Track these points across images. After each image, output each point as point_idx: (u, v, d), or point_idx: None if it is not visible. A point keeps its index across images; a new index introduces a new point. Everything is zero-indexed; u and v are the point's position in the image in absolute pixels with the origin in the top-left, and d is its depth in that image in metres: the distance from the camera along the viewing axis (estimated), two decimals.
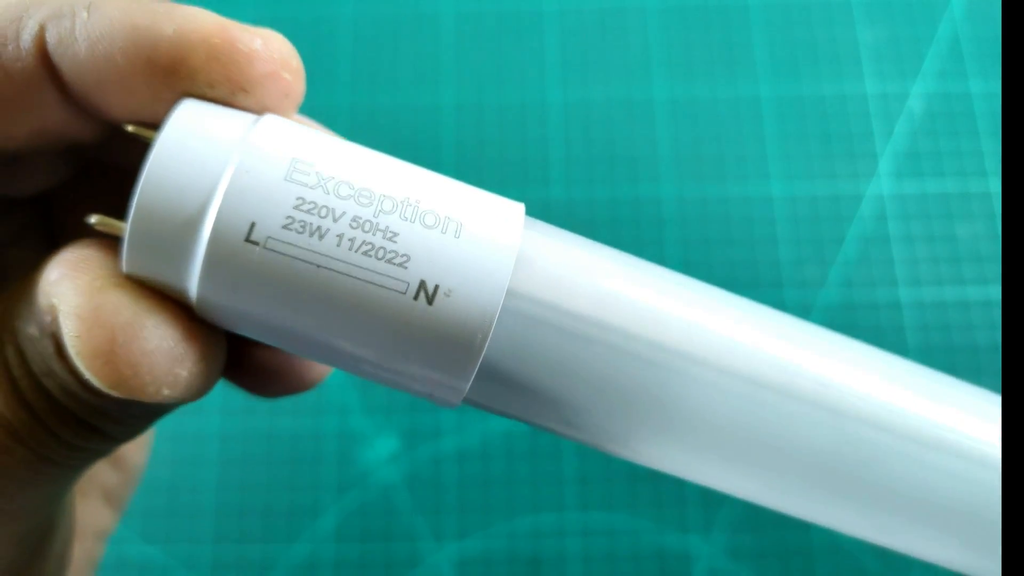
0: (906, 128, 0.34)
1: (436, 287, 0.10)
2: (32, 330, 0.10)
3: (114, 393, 0.10)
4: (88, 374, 0.10)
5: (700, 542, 0.29)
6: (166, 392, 0.10)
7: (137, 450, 0.18)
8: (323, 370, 0.15)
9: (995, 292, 0.32)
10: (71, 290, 0.10)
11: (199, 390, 0.11)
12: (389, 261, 0.10)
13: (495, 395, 0.11)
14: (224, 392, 0.31)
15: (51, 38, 0.11)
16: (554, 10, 0.36)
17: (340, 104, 0.34)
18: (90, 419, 0.11)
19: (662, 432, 0.12)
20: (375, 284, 0.10)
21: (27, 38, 0.11)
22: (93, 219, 0.11)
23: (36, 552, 0.13)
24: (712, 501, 0.30)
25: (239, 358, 0.14)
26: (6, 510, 0.11)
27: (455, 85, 0.35)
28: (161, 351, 0.10)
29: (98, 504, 0.17)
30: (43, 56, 0.11)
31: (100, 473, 0.17)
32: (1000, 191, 0.33)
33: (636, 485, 0.30)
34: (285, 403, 0.30)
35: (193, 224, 0.10)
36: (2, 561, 0.12)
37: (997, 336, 0.31)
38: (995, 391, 0.31)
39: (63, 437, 0.11)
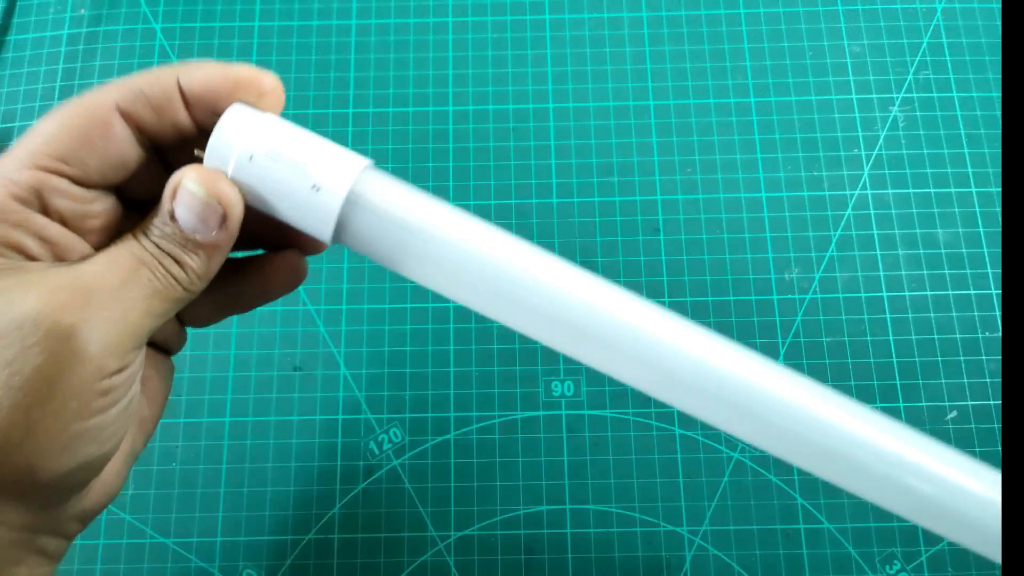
0: (891, 135, 0.35)
1: (319, 187, 0.20)
2: (158, 221, 0.20)
3: (216, 207, 0.20)
4: (204, 195, 0.20)
5: (691, 531, 0.30)
6: (235, 208, 0.20)
7: (161, 392, 0.24)
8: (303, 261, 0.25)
9: (974, 292, 0.33)
10: (190, 173, 0.20)
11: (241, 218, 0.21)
12: (303, 177, 0.20)
13: (349, 242, 0.22)
14: (235, 389, 0.32)
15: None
16: (553, 20, 0.37)
17: (347, 107, 0.35)
18: (184, 259, 0.20)
19: (420, 267, 0.22)
20: (298, 185, 0.20)
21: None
22: (196, 151, 0.21)
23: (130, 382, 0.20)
24: (703, 495, 0.31)
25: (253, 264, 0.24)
26: (138, 316, 0.20)
27: (459, 93, 0.36)
28: (233, 186, 0.20)
29: (135, 429, 0.23)
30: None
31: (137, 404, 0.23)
32: (979, 195, 0.34)
33: (630, 479, 0.31)
34: (294, 399, 0.32)
35: (229, 154, 0.20)
36: (123, 358, 0.19)
37: (976, 335, 0.32)
38: (958, 391, 0.32)
39: (170, 271, 0.20)
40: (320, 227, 0.21)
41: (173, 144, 0.21)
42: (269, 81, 0.21)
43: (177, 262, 0.20)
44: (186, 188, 0.20)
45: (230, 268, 0.23)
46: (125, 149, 0.20)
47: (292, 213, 0.21)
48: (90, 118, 0.20)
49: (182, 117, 0.21)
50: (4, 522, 0.19)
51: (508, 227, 0.33)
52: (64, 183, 0.20)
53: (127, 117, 0.20)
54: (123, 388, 0.20)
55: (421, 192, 0.22)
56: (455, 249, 0.21)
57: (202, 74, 0.21)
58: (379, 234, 0.21)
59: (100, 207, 0.21)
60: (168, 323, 0.23)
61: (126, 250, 0.20)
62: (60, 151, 0.20)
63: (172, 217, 0.20)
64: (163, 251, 0.20)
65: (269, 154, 0.20)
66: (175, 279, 0.20)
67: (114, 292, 0.19)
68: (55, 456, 0.18)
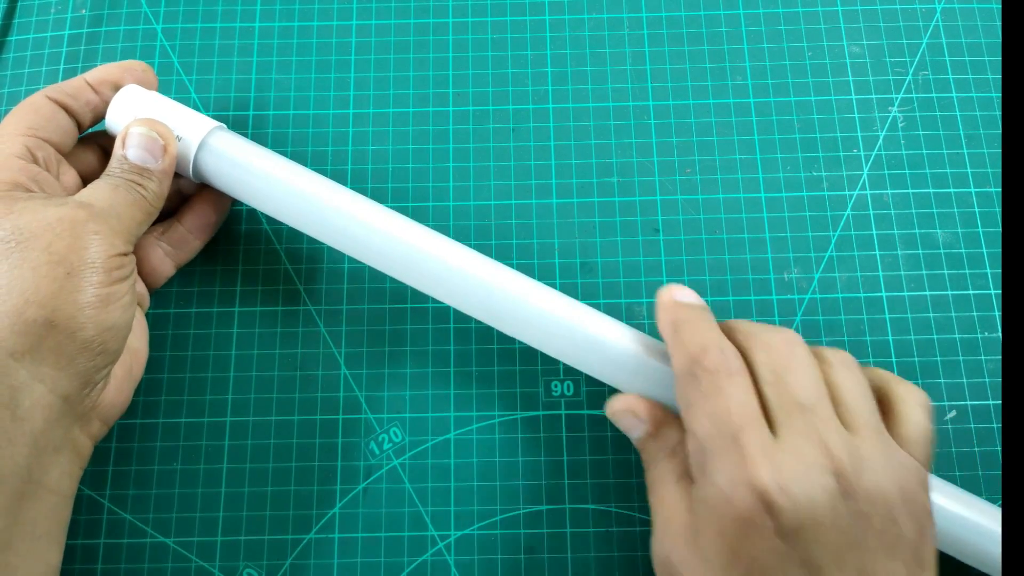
0: (890, 135, 0.35)
1: (181, 138, 0.29)
2: (115, 160, 0.28)
3: (157, 139, 0.28)
4: (147, 131, 0.28)
5: None
6: (170, 138, 0.29)
7: (143, 331, 0.31)
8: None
9: (973, 293, 0.33)
10: (134, 122, 0.29)
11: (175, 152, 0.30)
12: (175, 132, 0.29)
13: (205, 177, 0.30)
14: (236, 389, 0.32)
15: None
16: (553, 21, 0.37)
17: (347, 107, 0.36)
18: (143, 183, 0.28)
19: (249, 195, 0.30)
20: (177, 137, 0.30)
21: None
22: (108, 123, 0.30)
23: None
24: None
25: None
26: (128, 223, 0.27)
27: (459, 93, 0.36)
28: (166, 126, 0.29)
29: (130, 357, 0.29)
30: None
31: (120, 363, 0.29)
32: (978, 195, 0.34)
33: (630, 479, 0.31)
34: (295, 399, 0.32)
35: (123, 116, 0.30)
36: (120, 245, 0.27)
37: (975, 335, 0.32)
38: (957, 391, 0.32)
39: (137, 191, 0.28)
40: (184, 165, 0.29)
41: (93, 118, 0.30)
42: (143, 65, 0.31)
43: (139, 185, 0.28)
44: (133, 131, 0.28)
45: (171, 214, 0.32)
46: (64, 122, 0.29)
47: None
48: (36, 103, 0.28)
49: (92, 97, 0.29)
50: (54, 389, 0.24)
51: (507, 227, 0.33)
52: (41, 142, 0.28)
53: (55, 101, 0.29)
54: (128, 268, 0.27)
55: (257, 145, 0.30)
56: (270, 180, 0.29)
57: (101, 69, 0.30)
58: (223, 170, 0.30)
59: (70, 175, 0.29)
60: (138, 285, 0.30)
61: (102, 182, 0.28)
62: (30, 125, 0.28)
63: (125, 159, 0.28)
64: (128, 179, 0.28)
65: (150, 115, 0.29)
66: (142, 197, 0.28)
67: (107, 203, 0.27)
68: (91, 316, 0.25)
